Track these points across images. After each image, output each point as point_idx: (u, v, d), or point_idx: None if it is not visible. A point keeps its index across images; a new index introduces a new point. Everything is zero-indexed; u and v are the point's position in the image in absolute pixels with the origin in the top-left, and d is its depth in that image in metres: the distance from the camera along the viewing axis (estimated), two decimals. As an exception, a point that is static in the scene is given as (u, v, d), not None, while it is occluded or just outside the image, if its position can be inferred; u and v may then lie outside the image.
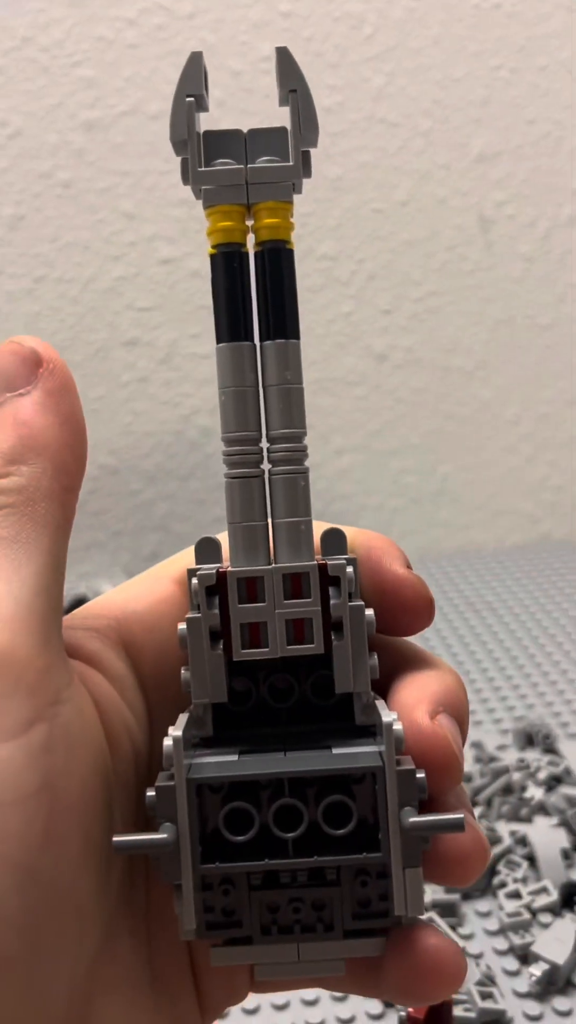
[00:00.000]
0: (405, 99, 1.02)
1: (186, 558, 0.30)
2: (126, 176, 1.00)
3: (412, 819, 0.24)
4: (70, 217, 1.01)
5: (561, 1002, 0.56)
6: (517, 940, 0.60)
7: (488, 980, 0.57)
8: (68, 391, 0.27)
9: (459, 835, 0.25)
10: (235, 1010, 0.56)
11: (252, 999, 0.57)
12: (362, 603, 0.27)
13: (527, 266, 1.09)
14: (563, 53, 1.03)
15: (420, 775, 0.25)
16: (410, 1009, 0.53)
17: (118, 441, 1.07)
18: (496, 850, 0.66)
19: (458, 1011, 0.55)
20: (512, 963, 0.59)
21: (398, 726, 0.25)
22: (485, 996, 0.56)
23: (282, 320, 0.28)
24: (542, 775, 0.72)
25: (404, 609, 0.29)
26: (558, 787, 0.72)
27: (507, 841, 0.66)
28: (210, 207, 0.27)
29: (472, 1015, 0.55)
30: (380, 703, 0.27)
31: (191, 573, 0.28)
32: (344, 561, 0.28)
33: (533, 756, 0.75)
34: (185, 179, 0.27)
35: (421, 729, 0.26)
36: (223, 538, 0.29)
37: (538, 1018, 0.55)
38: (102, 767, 0.25)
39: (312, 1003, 0.57)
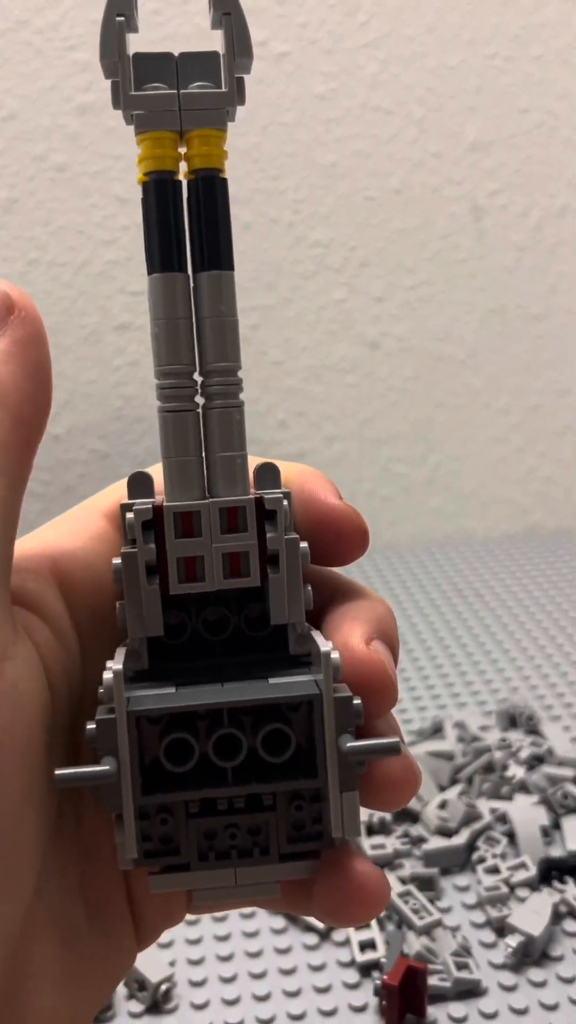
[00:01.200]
0: (399, 87, 1.03)
1: (116, 493, 0.30)
2: (119, 160, 1.00)
3: (350, 744, 0.25)
4: (63, 201, 1.01)
5: (536, 973, 0.56)
6: (494, 913, 0.60)
7: (464, 951, 0.57)
8: (37, 341, 0.26)
9: (392, 761, 0.26)
10: (212, 968, 0.57)
11: (238, 963, 0.57)
12: (297, 536, 0.28)
13: (519, 255, 1.09)
14: (558, 42, 1.04)
15: (356, 702, 0.25)
16: (385, 976, 0.53)
17: (108, 426, 1.07)
18: (476, 827, 0.66)
19: (433, 980, 0.55)
20: (489, 936, 0.59)
21: (335, 655, 0.25)
22: (461, 966, 0.56)
23: (216, 251, 0.28)
24: (524, 754, 0.73)
25: (339, 539, 0.29)
26: (539, 766, 0.72)
27: (487, 818, 0.67)
28: (141, 133, 0.27)
29: (447, 984, 0.55)
30: (315, 633, 0.27)
31: (125, 508, 0.27)
32: (280, 495, 0.28)
33: (516, 737, 0.75)
34: (116, 103, 0.27)
35: (357, 655, 0.26)
36: (156, 471, 0.29)
37: (513, 988, 0.56)
38: (45, 716, 0.26)
39: (289, 972, 0.57)
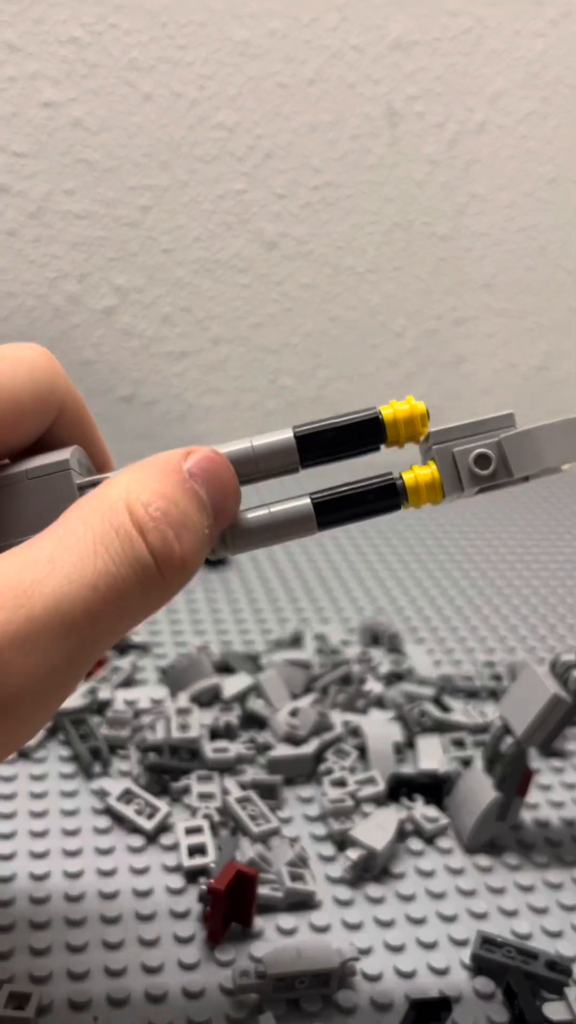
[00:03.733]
0: (324, -33, 0.96)
1: None
2: (11, 2, 0.90)
3: None
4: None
5: (374, 889, 0.53)
6: (337, 826, 0.56)
7: (300, 861, 0.53)
8: None
9: None
10: (23, 864, 0.51)
11: (53, 860, 0.52)
12: None
13: (431, 169, 1.04)
14: (493, -54, 0.98)
15: None
16: (211, 880, 0.48)
17: (-22, 300, 0.98)
18: (326, 737, 0.62)
19: (265, 890, 0.51)
20: (329, 849, 0.55)
21: None
22: (295, 877, 0.52)
23: None
24: (383, 670, 0.69)
25: None
26: (398, 683, 0.68)
27: (339, 729, 0.62)
28: None
29: (279, 894, 0.51)
30: None
31: None
32: None
33: (377, 654, 0.72)
34: None
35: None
36: None
37: (348, 903, 0.52)
38: None
39: (108, 874, 0.52)
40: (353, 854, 0.53)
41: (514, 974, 0.47)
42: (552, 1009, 0.46)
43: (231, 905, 0.48)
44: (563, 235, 1.09)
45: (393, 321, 1.08)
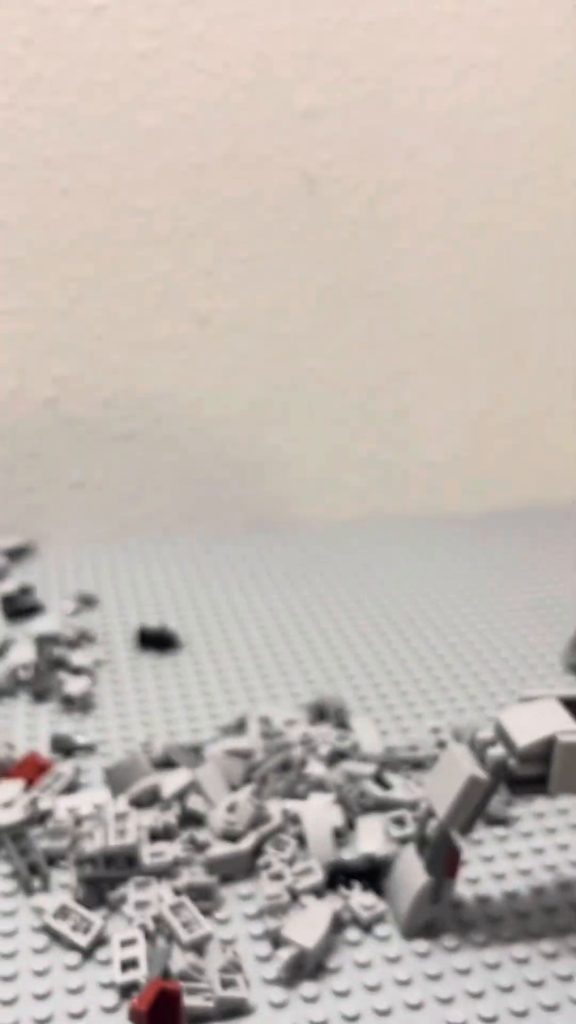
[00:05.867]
0: (226, 48, 0.98)
1: None
2: None
3: None
4: None
5: (309, 988, 0.53)
6: (273, 923, 0.56)
7: (233, 967, 0.53)
8: None
9: None
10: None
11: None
12: None
13: (354, 230, 1.05)
14: (391, 9, 1.00)
15: None
16: (135, 1000, 0.48)
17: None
18: (264, 829, 0.62)
19: (198, 1000, 0.51)
20: (266, 948, 0.56)
21: None
22: (227, 984, 0.52)
23: None
24: (324, 750, 0.69)
25: None
26: (341, 762, 0.68)
27: (277, 820, 0.63)
28: None
29: (210, 1004, 0.51)
30: None
31: None
32: None
33: (322, 731, 0.72)
34: None
35: None
36: None
37: (282, 1005, 0.52)
38: None
39: (43, 997, 0.52)
40: (285, 953, 0.53)
41: (441, 1071, 0.47)
42: None
43: (159, 1022, 0.49)
44: (494, 279, 1.10)
45: (334, 380, 1.09)
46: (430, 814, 0.56)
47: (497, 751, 0.54)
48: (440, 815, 0.55)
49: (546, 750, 0.54)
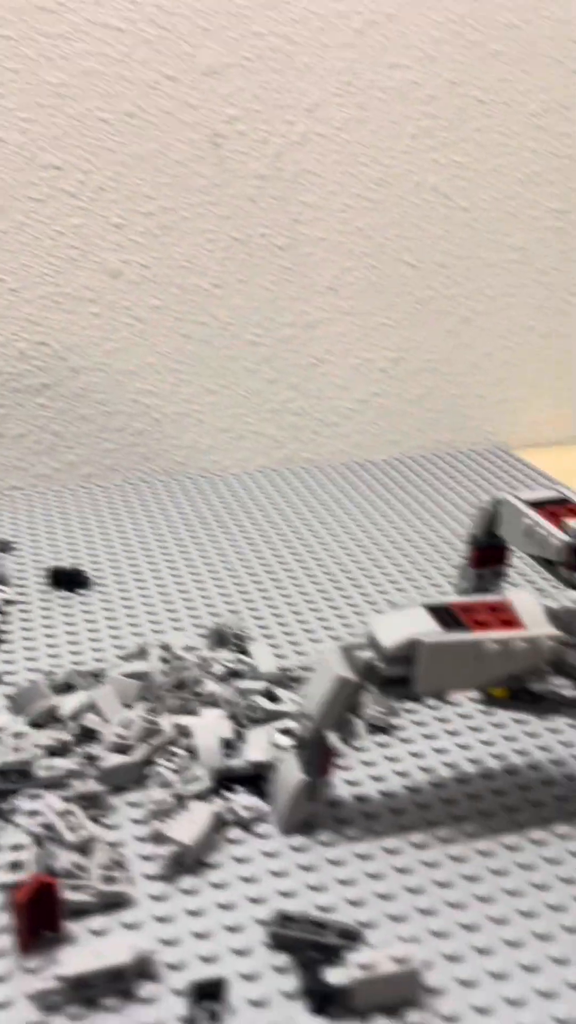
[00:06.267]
0: (128, 4, 0.99)
1: None
2: None
3: None
4: None
5: (188, 881, 0.56)
6: (158, 826, 0.59)
7: (114, 864, 0.56)
8: None
9: None
10: None
11: None
12: None
13: (261, 184, 1.07)
14: (290, -36, 1.02)
15: None
16: (16, 893, 0.51)
17: None
18: (155, 742, 0.65)
19: (77, 895, 0.54)
20: (150, 849, 0.59)
21: None
22: (107, 879, 0.55)
23: None
24: (219, 670, 0.72)
25: None
26: (234, 681, 0.72)
27: (169, 733, 0.66)
28: None
29: (91, 898, 0.54)
30: None
31: None
32: None
33: (220, 656, 0.75)
34: None
35: None
36: None
37: (161, 898, 0.55)
38: None
39: None
40: (165, 850, 0.57)
41: (302, 946, 0.50)
42: (335, 974, 0.49)
43: (35, 914, 0.51)
44: (398, 231, 1.13)
45: (246, 332, 1.12)
46: (305, 716, 0.59)
47: (365, 653, 0.58)
48: (313, 716, 0.58)
49: (410, 651, 0.57)
